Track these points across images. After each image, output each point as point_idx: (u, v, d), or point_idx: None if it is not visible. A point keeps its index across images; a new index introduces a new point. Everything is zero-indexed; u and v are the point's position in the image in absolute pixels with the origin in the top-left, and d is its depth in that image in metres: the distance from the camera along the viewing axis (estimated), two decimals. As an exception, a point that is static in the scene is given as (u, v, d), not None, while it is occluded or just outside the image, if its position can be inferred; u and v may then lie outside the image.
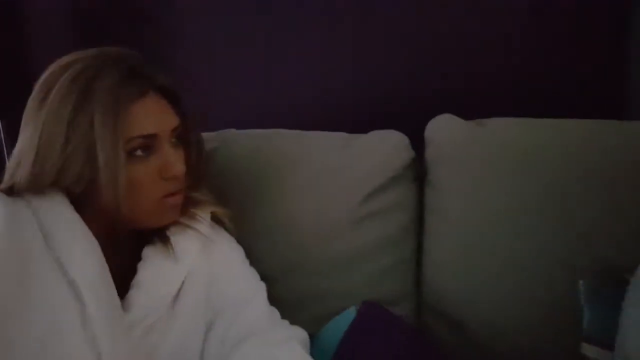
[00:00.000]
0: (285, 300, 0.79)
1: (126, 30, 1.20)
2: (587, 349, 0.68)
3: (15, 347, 0.56)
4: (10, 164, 0.69)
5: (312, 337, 0.76)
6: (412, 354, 0.67)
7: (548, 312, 0.74)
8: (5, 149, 1.31)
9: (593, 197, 0.76)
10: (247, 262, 0.82)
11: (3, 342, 0.55)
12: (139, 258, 0.71)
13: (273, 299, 0.78)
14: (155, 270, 0.70)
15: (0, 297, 0.57)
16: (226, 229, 0.82)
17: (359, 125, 0.94)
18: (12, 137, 1.30)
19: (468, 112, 0.91)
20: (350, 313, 0.74)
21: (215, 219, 0.81)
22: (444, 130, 0.88)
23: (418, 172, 0.90)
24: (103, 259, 0.64)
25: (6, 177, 0.69)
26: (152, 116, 0.68)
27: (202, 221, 0.77)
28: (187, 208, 0.76)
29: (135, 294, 0.67)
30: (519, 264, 0.77)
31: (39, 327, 0.58)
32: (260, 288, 0.79)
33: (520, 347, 0.76)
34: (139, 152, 0.67)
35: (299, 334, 0.72)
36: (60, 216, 0.65)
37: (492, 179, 0.82)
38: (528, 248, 0.77)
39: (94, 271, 0.63)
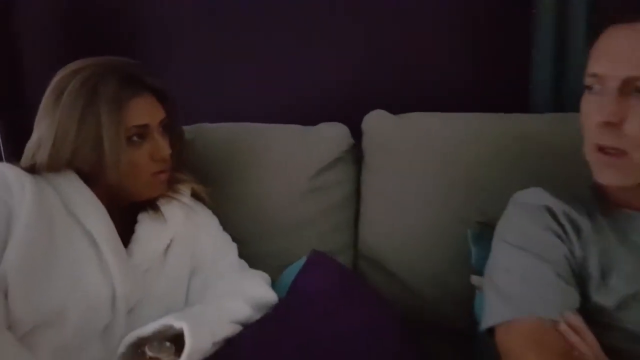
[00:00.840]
0: (252, 256, 0.99)
1: (113, 32, 1.36)
2: (475, 279, 0.92)
3: (53, 280, 0.74)
4: (29, 149, 0.85)
5: (273, 282, 0.97)
6: (349, 288, 0.89)
7: (448, 253, 0.98)
8: (2, 146, 1.44)
9: (487, 175, 1.00)
10: (221, 228, 1.01)
11: (45, 277, 0.74)
12: (134, 223, 0.90)
13: (242, 256, 0.99)
14: (150, 230, 0.88)
15: (37, 248, 0.74)
16: (203, 203, 1.02)
17: (311, 119, 1.16)
18: (7, 135, 1.44)
19: (396, 107, 1.13)
20: (302, 260, 0.96)
21: (195, 195, 0.99)
22: (376, 122, 1.11)
23: (356, 155, 1.13)
24: (110, 219, 0.83)
25: (26, 158, 0.84)
26: (145, 110, 0.86)
27: (185, 194, 0.96)
28: (172, 184, 0.95)
29: (135, 246, 0.85)
30: (430, 222, 1.01)
31: (68, 266, 0.76)
32: (233, 247, 0.99)
33: (430, 281, 1.00)
34: (135, 139, 0.84)
35: (263, 275, 0.93)
36: (74, 188, 0.82)
37: (412, 160, 1.05)
38: (437, 211, 1.01)
39: (104, 226, 0.81)
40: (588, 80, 0.74)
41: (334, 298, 0.83)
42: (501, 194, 0.87)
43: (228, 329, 0.76)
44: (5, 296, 0.70)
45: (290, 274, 0.95)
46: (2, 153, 1.42)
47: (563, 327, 0.66)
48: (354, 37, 1.27)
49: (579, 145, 0.76)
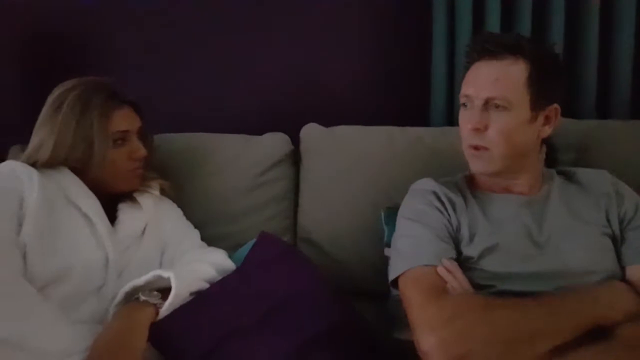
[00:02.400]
0: (209, 238, 1.19)
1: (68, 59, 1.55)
2: (387, 251, 1.19)
3: (59, 247, 0.93)
4: (30, 150, 1.04)
5: (229, 257, 1.19)
6: (291, 259, 1.11)
7: (367, 232, 1.25)
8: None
9: (394, 172, 1.28)
10: (184, 217, 1.22)
11: (52, 244, 0.92)
12: (114, 211, 1.10)
13: (201, 238, 1.20)
14: (129, 215, 1.08)
15: (45, 223, 0.93)
16: (169, 197, 1.23)
17: (258, 130, 1.41)
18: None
19: (327, 120, 1.41)
20: (253, 241, 1.18)
21: (162, 191, 1.20)
22: (310, 133, 1.38)
23: (295, 158, 1.39)
24: (100, 204, 1.03)
25: (27, 158, 1.03)
26: (126, 119, 1.08)
27: (154, 188, 1.18)
28: (144, 180, 1.16)
29: (119, 227, 1.05)
30: (353, 209, 1.29)
31: (70, 237, 0.95)
32: (195, 231, 1.19)
33: (353, 255, 1.27)
34: (118, 142, 1.07)
35: (221, 250, 1.15)
36: (70, 180, 1.01)
37: (338, 162, 1.33)
38: (358, 200, 1.28)
39: (97, 209, 1.01)
40: (462, 99, 1.04)
41: (280, 265, 1.06)
42: (404, 186, 1.13)
43: (199, 284, 0.97)
44: (24, 258, 0.89)
45: (243, 251, 1.16)
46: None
47: (440, 269, 0.93)
48: (295, 64, 1.55)
49: (455, 149, 1.07)
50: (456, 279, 0.93)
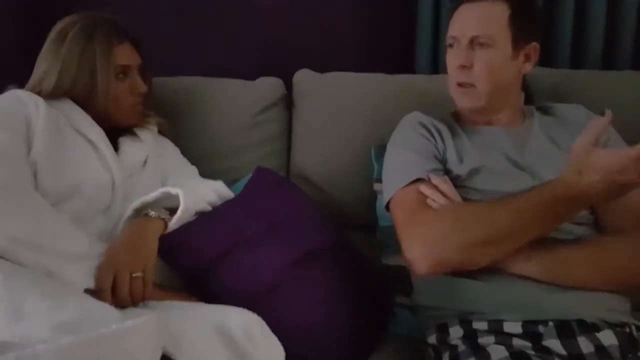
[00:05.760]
0: (206, 173, 1.24)
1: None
2: (376, 186, 1.27)
3: (68, 166, 0.97)
4: (33, 82, 1.06)
5: (227, 190, 1.25)
6: (287, 189, 1.18)
7: (357, 169, 1.32)
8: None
9: (382, 114, 1.33)
10: (181, 155, 1.28)
11: (61, 163, 0.96)
12: (115, 144, 1.13)
13: (199, 173, 1.26)
14: (130, 146, 1.12)
15: (53, 144, 0.97)
16: (166, 136, 1.28)
17: (254, 74, 1.46)
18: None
19: (320, 67, 1.46)
20: (249, 175, 1.24)
21: (159, 131, 1.25)
22: (303, 78, 1.43)
23: (288, 101, 1.44)
24: (104, 132, 1.07)
25: (30, 86, 1.06)
26: (128, 54, 1.11)
27: (153, 125, 1.22)
28: (144, 117, 1.20)
29: (121, 156, 1.09)
30: (343, 148, 1.34)
31: (78, 158, 0.99)
32: (193, 167, 1.25)
33: (344, 191, 1.34)
34: (120, 76, 1.10)
35: (220, 181, 1.21)
36: (74, 110, 1.05)
37: (329, 105, 1.38)
38: (348, 140, 1.34)
39: (101, 135, 1.05)
40: (448, 41, 1.11)
41: (276, 192, 1.13)
42: (393, 127, 1.18)
43: (203, 205, 1.04)
44: (35, 176, 0.93)
45: (241, 184, 1.23)
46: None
47: (422, 187, 0.99)
48: (287, 13, 1.60)
49: (441, 95, 1.14)
50: (442, 193, 0.98)
